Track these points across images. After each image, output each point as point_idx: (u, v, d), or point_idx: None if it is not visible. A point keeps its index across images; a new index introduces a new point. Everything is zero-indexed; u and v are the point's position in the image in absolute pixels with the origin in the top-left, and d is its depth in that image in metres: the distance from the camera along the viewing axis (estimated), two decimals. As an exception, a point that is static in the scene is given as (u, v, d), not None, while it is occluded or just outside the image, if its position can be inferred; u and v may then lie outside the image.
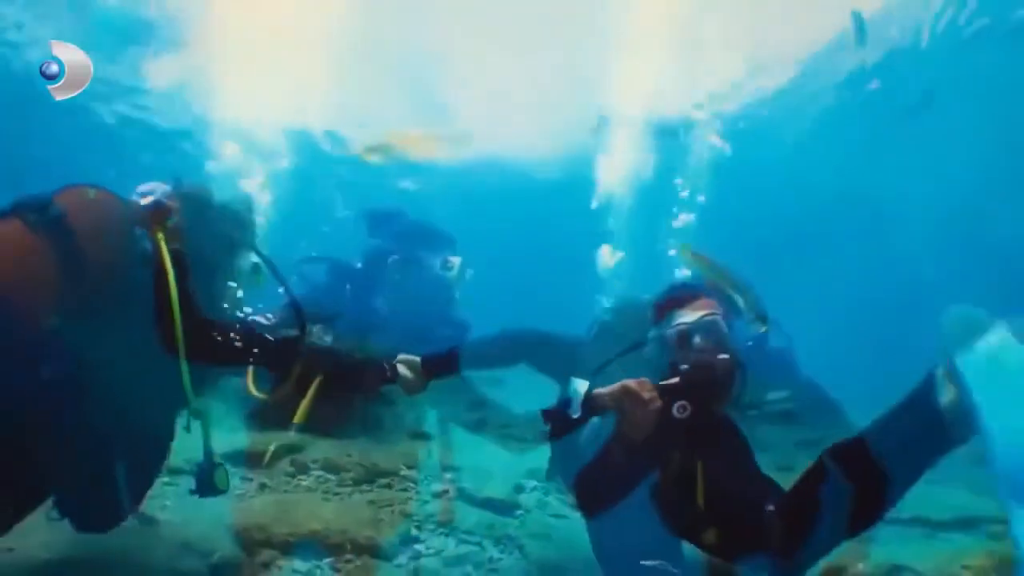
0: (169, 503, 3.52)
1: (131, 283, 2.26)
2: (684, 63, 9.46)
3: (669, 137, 7.89)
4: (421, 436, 5.33)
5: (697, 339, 2.71)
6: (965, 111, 12.36)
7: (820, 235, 16.69)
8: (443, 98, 13.95)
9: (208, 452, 2.72)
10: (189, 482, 2.82)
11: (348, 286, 8.55)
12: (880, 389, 2.99)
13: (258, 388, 2.87)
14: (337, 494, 4.09)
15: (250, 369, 2.88)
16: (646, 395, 2.43)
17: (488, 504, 4.28)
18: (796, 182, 15.27)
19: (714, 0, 10.15)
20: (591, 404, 2.45)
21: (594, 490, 2.73)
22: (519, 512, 4.28)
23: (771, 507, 2.41)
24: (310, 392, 2.75)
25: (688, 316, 2.76)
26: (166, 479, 3.61)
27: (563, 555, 3.71)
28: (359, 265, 8.74)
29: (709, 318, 2.75)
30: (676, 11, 8.82)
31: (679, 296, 2.86)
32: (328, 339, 3.02)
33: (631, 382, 2.44)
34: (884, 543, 3.48)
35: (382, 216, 9.25)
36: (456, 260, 8.84)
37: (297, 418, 2.77)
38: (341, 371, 2.92)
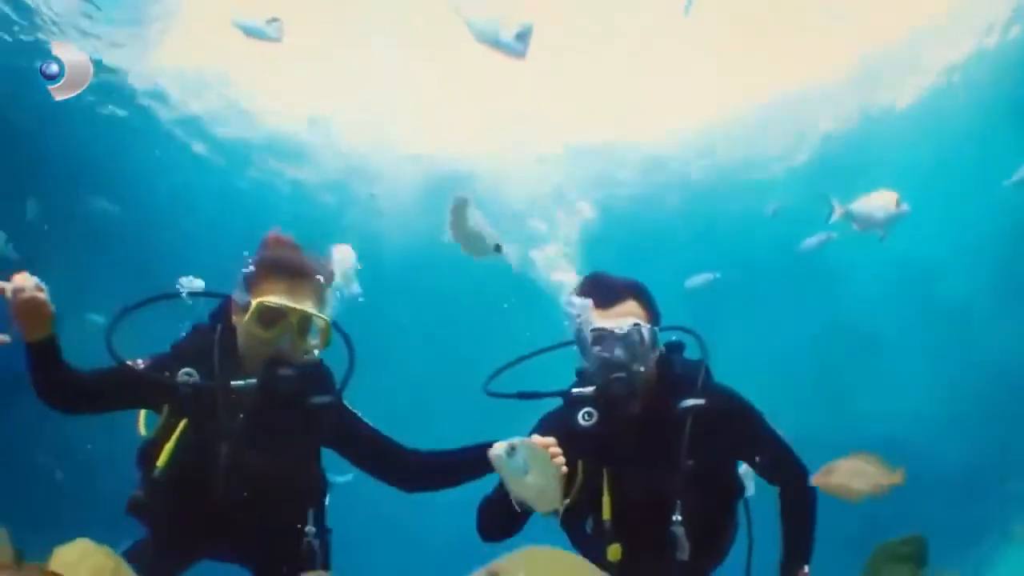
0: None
1: None
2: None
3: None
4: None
5: (616, 350, 2.53)
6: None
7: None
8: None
9: None
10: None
11: None
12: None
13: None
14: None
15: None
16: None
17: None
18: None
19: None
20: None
21: (489, 515, 2.69)
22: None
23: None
24: None
25: (607, 323, 2.57)
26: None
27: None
28: None
29: (628, 328, 2.56)
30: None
31: (602, 295, 2.64)
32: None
33: (536, 440, 2.31)
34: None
35: None
36: None
37: None
38: None
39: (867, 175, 9.16)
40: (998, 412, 10.80)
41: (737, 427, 2.69)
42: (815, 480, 2.65)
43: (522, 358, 2.91)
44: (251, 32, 4.30)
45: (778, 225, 10.19)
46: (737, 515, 2.85)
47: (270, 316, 2.54)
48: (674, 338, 2.89)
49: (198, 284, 2.86)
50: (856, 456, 2.65)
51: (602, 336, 2.56)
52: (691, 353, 2.87)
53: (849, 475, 2.61)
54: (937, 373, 11.68)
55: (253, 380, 2.53)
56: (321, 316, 2.63)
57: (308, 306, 2.58)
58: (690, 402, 2.61)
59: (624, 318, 2.58)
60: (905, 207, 5.36)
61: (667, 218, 12.86)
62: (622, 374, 2.51)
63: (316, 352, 2.68)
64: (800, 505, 2.75)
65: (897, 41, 9.97)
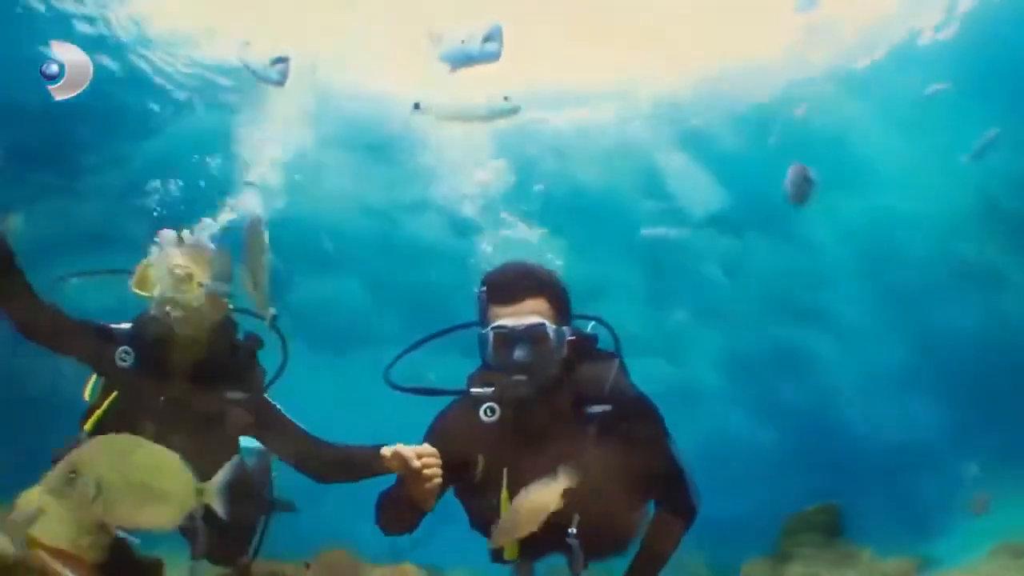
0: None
1: None
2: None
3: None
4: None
5: (518, 351, 2.44)
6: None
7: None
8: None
9: None
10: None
11: None
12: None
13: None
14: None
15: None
16: (415, 464, 2.29)
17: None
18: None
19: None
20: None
21: (388, 509, 2.67)
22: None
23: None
24: None
25: (510, 320, 2.46)
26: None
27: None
28: None
29: (532, 327, 2.45)
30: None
31: (505, 291, 2.53)
32: None
33: (406, 450, 2.30)
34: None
35: None
36: None
37: None
38: None
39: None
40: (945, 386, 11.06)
41: (638, 438, 2.58)
42: None
43: (419, 342, 2.86)
44: (256, 75, 4.15)
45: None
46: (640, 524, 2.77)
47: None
48: (588, 329, 2.78)
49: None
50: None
51: (502, 335, 2.47)
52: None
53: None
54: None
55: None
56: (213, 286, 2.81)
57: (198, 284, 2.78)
58: (596, 408, 2.53)
59: (527, 316, 2.46)
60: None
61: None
62: (522, 377, 2.44)
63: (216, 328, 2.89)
64: (666, 538, 2.69)
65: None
